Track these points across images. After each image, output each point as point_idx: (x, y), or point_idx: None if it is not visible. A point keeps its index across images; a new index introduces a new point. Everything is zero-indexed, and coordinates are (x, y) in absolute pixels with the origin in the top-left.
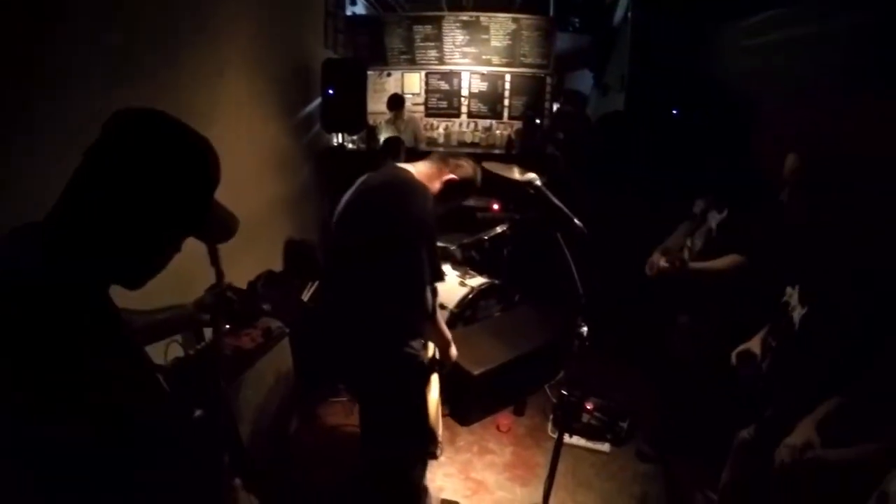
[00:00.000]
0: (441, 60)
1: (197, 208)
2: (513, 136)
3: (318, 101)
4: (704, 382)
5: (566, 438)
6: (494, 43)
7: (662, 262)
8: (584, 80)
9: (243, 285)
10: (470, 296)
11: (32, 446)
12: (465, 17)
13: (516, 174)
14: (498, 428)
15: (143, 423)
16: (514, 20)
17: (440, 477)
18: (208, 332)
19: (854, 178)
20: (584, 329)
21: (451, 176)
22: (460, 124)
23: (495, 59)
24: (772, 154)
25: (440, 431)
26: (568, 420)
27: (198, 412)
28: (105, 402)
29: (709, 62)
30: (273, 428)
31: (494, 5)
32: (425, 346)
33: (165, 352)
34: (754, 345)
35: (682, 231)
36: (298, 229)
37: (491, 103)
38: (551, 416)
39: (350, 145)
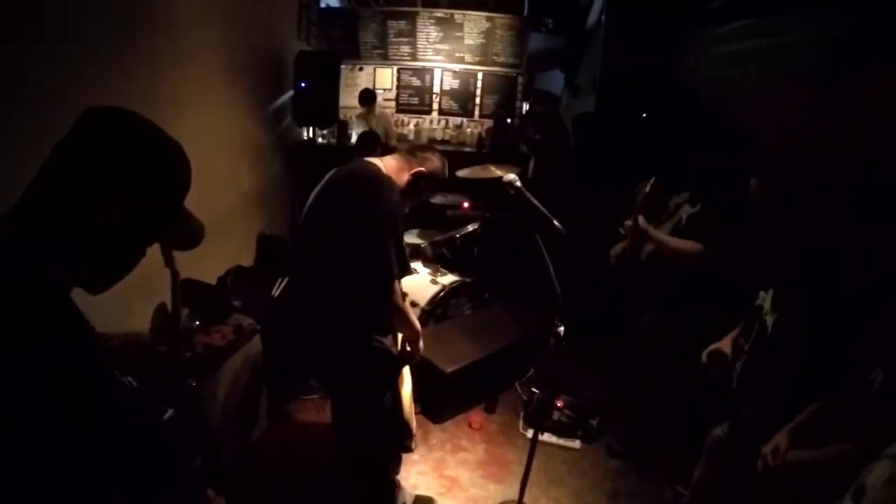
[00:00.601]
0: (414, 56)
1: (166, 211)
2: (483, 134)
3: (289, 93)
4: (667, 382)
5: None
6: (468, 41)
7: (618, 249)
8: (554, 81)
9: (213, 281)
10: (441, 293)
11: None
12: (439, 13)
13: (495, 172)
14: (470, 425)
15: (104, 426)
16: (489, 19)
17: (414, 475)
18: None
19: (818, 191)
20: (562, 328)
21: (419, 168)
22: (431, 121)
23: (468, 57)
24: (743, 157)
25: (414, 425)
26: (540, 418)
27: (168, 412)
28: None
29: (680, 68)
30: (244, 425)
31: (469, 3)
32: (395, 339)
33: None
34: (725, 345)
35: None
36: (268, 224)
37: (462, 101)
38: (522, 414)
39: (321, 139)
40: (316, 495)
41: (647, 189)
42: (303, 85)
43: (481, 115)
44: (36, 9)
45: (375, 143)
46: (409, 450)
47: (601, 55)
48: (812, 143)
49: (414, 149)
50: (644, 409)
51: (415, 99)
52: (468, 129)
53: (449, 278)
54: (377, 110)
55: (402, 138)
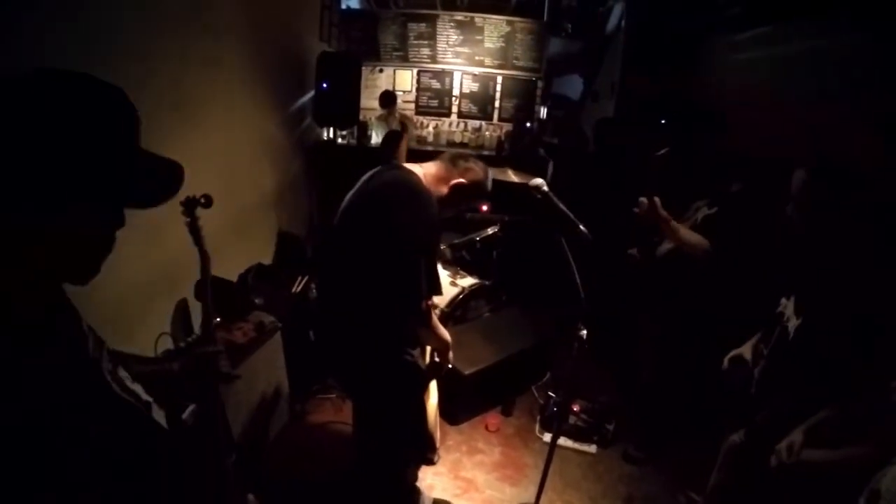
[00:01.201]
0: (434, 59)
1: (110, 163)
2: (503, 137)
3: (310, 94)
4: (668, 385)
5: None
6: (488, 44)
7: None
8: (571, 85)
9: (234, 278)
10: (461, 296)
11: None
12: (459, 16)
13: (513, 177)
14: (487, 428)
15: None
16: (509, 23)
17: (430, 476)
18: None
19: (857, 195)
20: (584, 332)
21: (460, 180)
22: (450, 124)
23: (488, 61)
24: (763, 164)
25: (438, 438)
26: (558, 422)
27: (190, 407)
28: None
29: (699, 73)
30: (264, 423)
31: (489, 7)
32: (423, 353)
33: (156, 345)
34: (746, 351)
35: None
36: (288, 223)
37: (481, 104)
38: (538, 417)
39: (341, 140)
40: (333, 496)
41: (662, 153)
42: (324, 86)
43: (500, 119)
44: (66, 10)
45: (400, 140)
46: (431, 462)
47: (620, 60)
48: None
49: (456, 157)
50: (654, 411)
51: (434, 101)
52: (487, 133)
53: (468, 281)
54: (397, 112)
55: (421, 140)
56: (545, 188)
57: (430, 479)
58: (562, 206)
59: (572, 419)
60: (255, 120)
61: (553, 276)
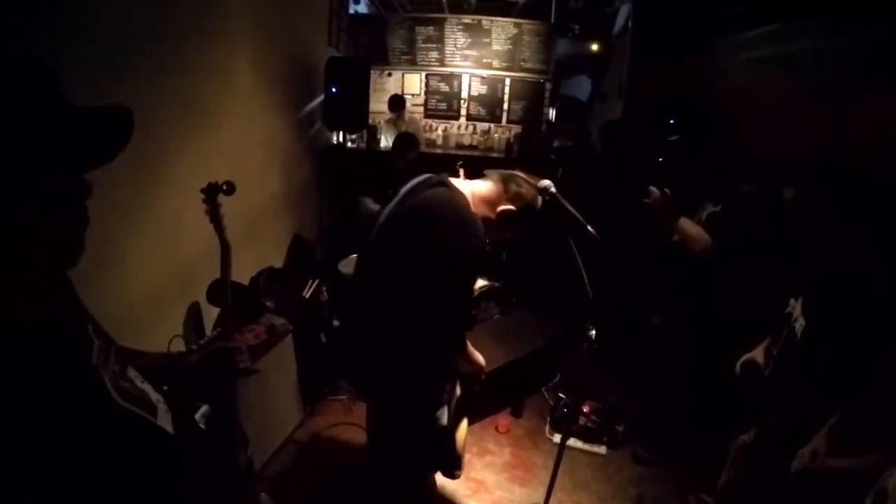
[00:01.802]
0: (442, 62)
1: (33, 124)
2: (511, 139)
3: (320, 98)
4: (677, 385)
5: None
6: (495, 46)
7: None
8: (580, 86)
9: (245, 281)
10: None
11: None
12: (467, 19)
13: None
14: (497, 429)
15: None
16: (516, 25)
17: (440, 476)
18: (211, 327)
19: (859, 195)
20: (593, 332)
21: (510, 207)
22: (459, 126)
23: (496, 63)
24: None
25: (464, 455)
26: (568, 423)
27: (202, 408)
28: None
29: (707, 73)
30: (275, 424)
31: (496, 9)
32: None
33: (168, 347)
34: (758, 354)
35: None
36: (299, 226)
37: (490, 106)
38: (548, 418)
39: (350, 144)
40: (344, 497)
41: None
42: (333, 90)
43: (509, 121)
44: (77, 17)
45: (413, 145)
46: (455, 478)
47: (628, 61)
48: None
49: (508, 180)
50: (659, 411)
51: (443, 104)
52: (496, 135)
53: (478, 283)
54: (406, 115)
55: (431, 143)
56: (553, 189)
57: (440, 480)
58: (570, 207)
59: (582, 420)
60: (266, 125)
61: (562, 278)
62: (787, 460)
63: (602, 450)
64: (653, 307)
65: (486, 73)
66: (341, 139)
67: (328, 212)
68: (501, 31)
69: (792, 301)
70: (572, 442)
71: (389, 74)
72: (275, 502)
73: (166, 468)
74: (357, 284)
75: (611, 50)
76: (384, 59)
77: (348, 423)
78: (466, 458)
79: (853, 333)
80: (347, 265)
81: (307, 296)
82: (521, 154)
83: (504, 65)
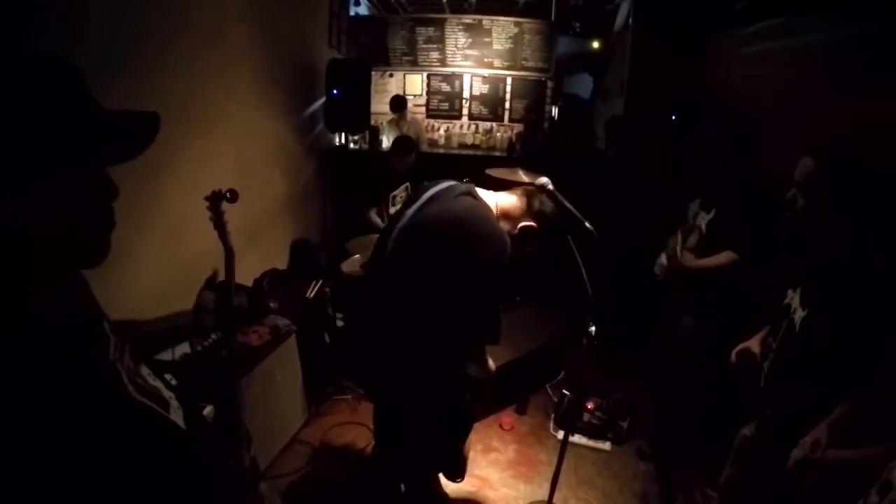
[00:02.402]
0: (443, 62)
1: (64, 124)
2: (514, 138)
3: (321, 100)
4: (705, 383)
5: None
6: (496, 46)
7: (663, 261)
8: (582, 84)
9: (249, 283)
10: None
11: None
12: (467, 19)
13: (523, 178)
14: (501, 426)
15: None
16: (516, 24)
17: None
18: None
19: (866, 183)
20: (593, 329)
21: (531, 224)
22: (461, 126)
23: (497, 62)
24: (766, 158)
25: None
26: (571, 419)
27: (207, 408)
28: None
29: (708, 69)
30: (280, 424)
31: (496, 8)
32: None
33: (173, 349)
34: (754, 344)
35: (679, 232)
36: (302, 228)
37: (492, 106)
38: (553, 415)
39: (353, 145)
40: (349, 496)
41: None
42: (335, 92)
43: (511, 120)
44: (73, 18)
45: (410, 147)
46: (457, 482)
47: (629, 58)
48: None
49: (533, 195)
50: (675, 413)
51: (445, 104)
52: (498, 134)
53: None
54: (408, 116)
55: (433, 143)
56: (550, 186)
57: (444, 477)
58: (567, 203)
59: (586, 417)
60: (268, 127)
61: (564, 275)
62: (788, 453)
63: (607, 446)
64: (686, 309)
65: (487, 72)
66: (344, 140)
67: (332, 213)
68: (502, 30)
69: (790, 292)
70: (577, 438)
71: (391, 75)
72: (275, 493)
73: (178, 462)
74: (373, 289)
75: (612, 47)
76: (385, 60)
77: (353, 422)
78: (471, 455)
79: (854, 324)
80: (350, 265)
81: (310, 296)
82: (524, 153)
83: (505, 64)
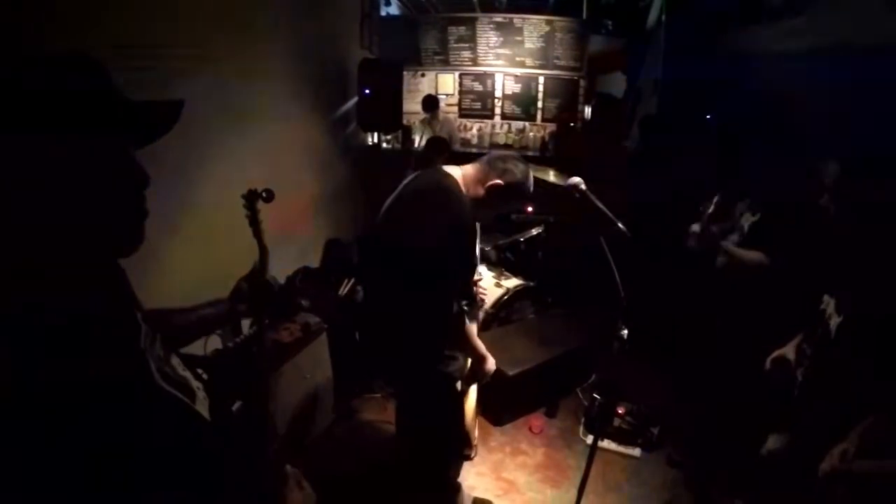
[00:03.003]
0: (475, 62)
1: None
2: (546, 138)
3: (354, 100)
4: (739, 390)
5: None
6: (528, 45)
7: (696, 228)
8: (615, 83)
9: (281, 281)
10: (505, 297)
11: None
12: (498, 18)
13: (553, 178)
14: (530, 429)
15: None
16: (548, 22)
17: (472, 476)
18: (247, 325)
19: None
20: (625, 332)
21: (497, 181)
22: (493, 126)
23: (529, 61)
24: (807, 160)
25: (475, 434)
26: (601, 424)
27: (237, 404)
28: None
29: (742, 66)
30: (309, 421)
31: (527, 7)
32: (464, 358)
33: (205, 344)
34: (789, 351)
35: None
36: (334, 227)
37: (524, 105)
38: (583, 420)
39: (385, 145)
40: (376, 493)
41: (712, 209)
42: (367, 92)
43: (544, 119)
44: (114, 33)
45: (444, 148)
46: (467, 458)
47: (662, 56)
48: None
49: (496, 159)
50: (707, 421)
51: (477, 104)
52: (531, 133)
53: (513, 282)
54: (440, 115)
55: (466, 143)
56: (583, 186)
57: (471, 480)
58: (599, 203)
59: (616, 422)
60: (301, 126)
61: (597, 277)
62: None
63: (636, 452)
64: (719, 312)
65: (519, 71)
66: (376, 140)
67: (364, 212)
68: (533, 28)
69: (826, 297)
70: (606, 444)
71: (423, 75)
72: (300, 474)
73: (200, 450)
74: (365, 276)
75: (645, 45)
76: (417, 60)
77: (382, 420)
78: (498, 457)
79: (889, 331)
80: None
81: (343, 294)
82: (557, 152)
83: (537, 63)
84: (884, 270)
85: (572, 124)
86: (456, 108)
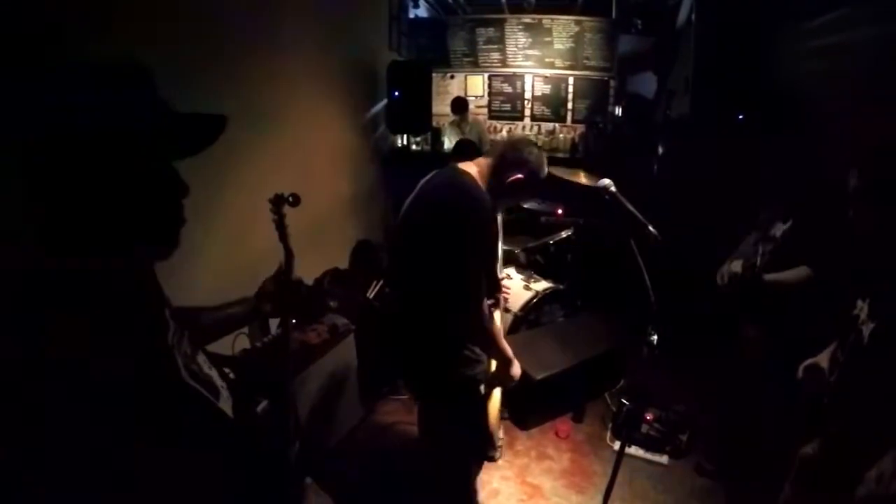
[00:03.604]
0: (504, 63)
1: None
2: (577, 139)
3: (383, 102)
4: (770, 398)
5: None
6: (557, 45)
7: (735, 267)
8: (646, 83)
9: (310, 282)
10: (534, 300)
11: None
12: (527, 19)
13: (583, 179)
14: (556, 434)
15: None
16: (577, 22)
17: (497, 479)
18: (275, 325)
19: None
20: (655, 337)
21: (518, 176)
22: (523, 127)
23: (558, 62)
24: (841, 162)
25: (500, 435)
26: (628, 430)
27: (263, 403)
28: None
29: (775, 64)
30: (335, 422)
31: (556, 7)
32: (488, 360)
33: (233, 344)
34: (822, 359)
35: (751, 241)
36: (364, 228)
37: (554, 106)
38: (610, 425)
39: (415, 147)
40: (398, 494)
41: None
42: (396, 94)
43: (574, 121)
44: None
45: (473, 150)
46: (492, 459)
47: (693, 54)
48: None
49: (510, 148)
50: (737, 428)
51: (507, 105)
52: (561, 135)
53: (542, 285)
54: (470, 117)
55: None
56: (613, 189)
57: (496, 483)
58: (630, 206)
59: (645, 428)
60: (331, 129)
61: (627, 281)
62: (854, 475)
63: (664, 459)
64: (748, 319)
65: (548, 72)
66: (406, 142)
67: (394, 214)
68: (563, 29)
69: (860, 302)
70: (634, 450)
71: (452, 77)
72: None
73: (221, 447)
74: (390, 277)
75: (676, 44)
76: (446, 62)
77: (408, 422)
78: (524, 461)
79: None
80: None
81: (371, 296)
82: (587, 154)
83: (567, 63)
84: None
85: (601, 125)
86: (486, 110)
